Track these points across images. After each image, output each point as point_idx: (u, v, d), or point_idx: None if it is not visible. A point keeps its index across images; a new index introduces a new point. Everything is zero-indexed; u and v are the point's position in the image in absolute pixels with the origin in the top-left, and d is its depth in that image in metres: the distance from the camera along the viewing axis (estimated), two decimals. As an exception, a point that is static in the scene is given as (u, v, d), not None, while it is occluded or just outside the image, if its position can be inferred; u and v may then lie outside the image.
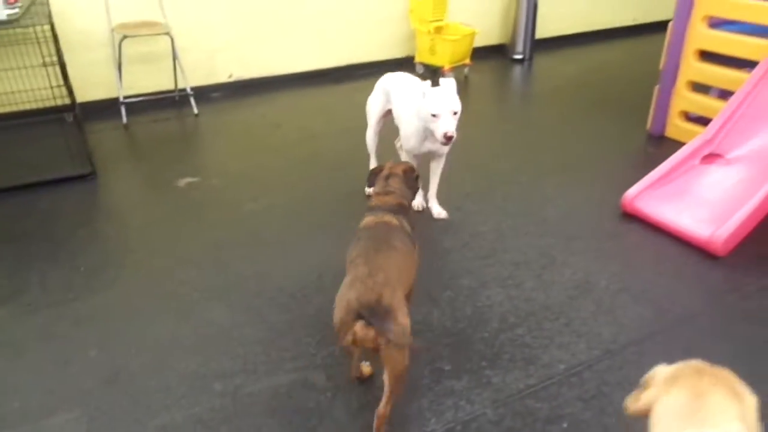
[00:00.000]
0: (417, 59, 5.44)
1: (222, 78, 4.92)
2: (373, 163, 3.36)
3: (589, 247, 2.85)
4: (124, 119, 4.30)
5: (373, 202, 2.16)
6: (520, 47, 5.87)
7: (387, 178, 2.24)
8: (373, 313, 1.65)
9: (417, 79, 3.01)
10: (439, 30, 5.25)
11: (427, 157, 3.00)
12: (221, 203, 3.31)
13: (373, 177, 2.32)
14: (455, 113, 2.61)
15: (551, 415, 1.95)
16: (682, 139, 3.91)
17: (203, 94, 4.75)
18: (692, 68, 3.77)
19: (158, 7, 4.34)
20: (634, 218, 3.07)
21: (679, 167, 3.12)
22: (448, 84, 2.67)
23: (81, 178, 3.51)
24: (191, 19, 4.58)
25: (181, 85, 4.59)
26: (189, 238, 2.97)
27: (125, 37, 4.16)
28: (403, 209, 2.14)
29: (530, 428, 1.91)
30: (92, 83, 4.38)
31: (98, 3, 4.20)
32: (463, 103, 3.61)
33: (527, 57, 5.89)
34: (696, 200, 2.96)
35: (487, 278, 2.62)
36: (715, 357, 2.16)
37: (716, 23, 3.70)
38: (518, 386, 2.06)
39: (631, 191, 3.08)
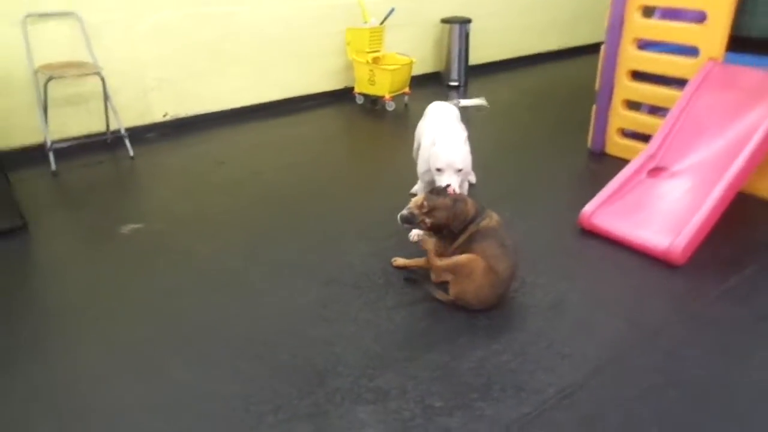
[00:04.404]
0: (356, 90, 5.43)
1: (157, 117, 4.72)
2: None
3: (555, 267, 2.87)
4: (53, 166, 4.01)
5: (474, 205, 2.57)
6: (455, 74, 6.00)
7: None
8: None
9: (455, 114, 3.24)
10: (376, 61, 5.28)
11: None
12: (170, 249, 3.11)
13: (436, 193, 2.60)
14: (459, 170, 2.67)
15: (551, 442, 1.91)
16: (621, 155, 4.08)
17: (138, 135, 4.52)
18: (626, 88, 3.95)
19: (85, 47, 4.12)
20: (591, 234, 3.13)
21: (628, 182, 3.22)
22: (457, 137, 2.77)
23: (11, 232, 3.22)
24: (121, 58, 4.38)
25: (113, 127, 4.36)
26: (140, 290, 2.76)
27: (51, 78, 3.90)
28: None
29: (532, 459, 1.86)
30: (14, 129, 4.07)
31: (17, 44, 3.93)
32: (406, 131, 3.59)
33: (462, 83, 6.03)
34: (649, 213, 3.06)
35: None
36: (690, 364, 2.22)
37: (644, 45, 3.90)
38: (512, 416, 2.00)
39: (588, 208, 3.15)
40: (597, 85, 4.08)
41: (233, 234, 3.24)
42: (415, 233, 3.13)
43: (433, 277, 2.71)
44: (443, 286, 2.61)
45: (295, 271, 2.87)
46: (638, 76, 3.94)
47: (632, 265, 2.88)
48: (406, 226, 2.60)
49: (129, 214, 3.48)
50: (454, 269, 2.49)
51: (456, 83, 6.00)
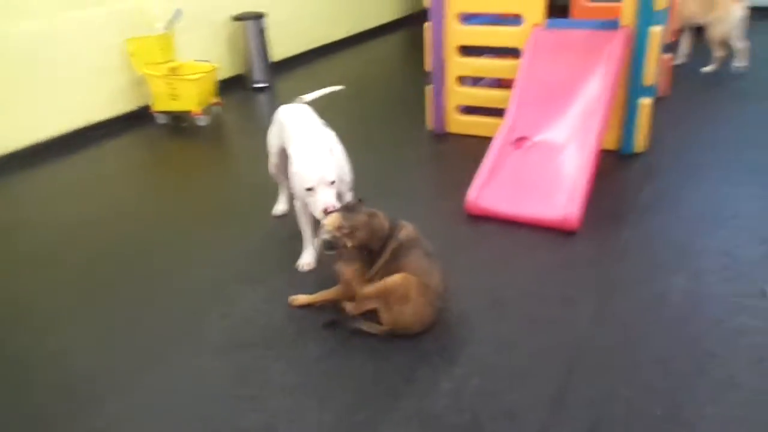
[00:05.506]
0: (155, 108, 4.65)
1: None
2: (282, 197, 3.15)
3: (466, 262, 2.68)
4: None
5: (386, 218, 2.22)
6: (258, 75, 5.51)
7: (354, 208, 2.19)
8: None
9: (313, 115, 2.75)
10: (173, 71, 4.57)
11: None
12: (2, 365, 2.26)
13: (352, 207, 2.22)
14: (332, 183, 2.29)
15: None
16: (464, 132, 4.07)
17: None
18: (457, 64, 3.90)
19: None
20: (481, 218, 3.01)
21: (499, 159, 3.16)
22: (319, 148, 2.39)
23: None
24: None
25: None
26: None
27: None
28: None
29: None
30: None
31: None
32: (230, 147, 3.18)
33: (269, 83, 5.56)
34: (530, 186, 3.02)
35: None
36: (649, 327, 2.11)
37: (462, 18, 3.88)
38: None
39: (472, 194, 3.01)
40: (428, 65, 3.99)
41: (73, 318, 2.47)
42: (305, 262, 2.70)
43: (350, 308, 2.34)
44: (369, 315, 2.26)
45: (182, 348, 2.26)
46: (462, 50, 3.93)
47: (536, 240, 2.81)
48: (329, 253, 2.17)
49: None
50: (384, 294, 2.15)
51: (262, 85, 5.52)
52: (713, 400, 1.87)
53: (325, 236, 2.11)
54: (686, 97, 4.51)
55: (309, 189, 2.32)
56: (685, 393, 1.91)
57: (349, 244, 2.11)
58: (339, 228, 2.10)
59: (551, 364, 2.06)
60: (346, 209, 2.16)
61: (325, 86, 3.17)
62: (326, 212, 2.24)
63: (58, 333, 2.39)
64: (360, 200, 2.22)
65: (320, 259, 2.70)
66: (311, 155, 2.37)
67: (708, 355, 2.06)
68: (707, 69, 4.97)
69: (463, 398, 1.94)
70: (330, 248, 2.12)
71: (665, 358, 2.05)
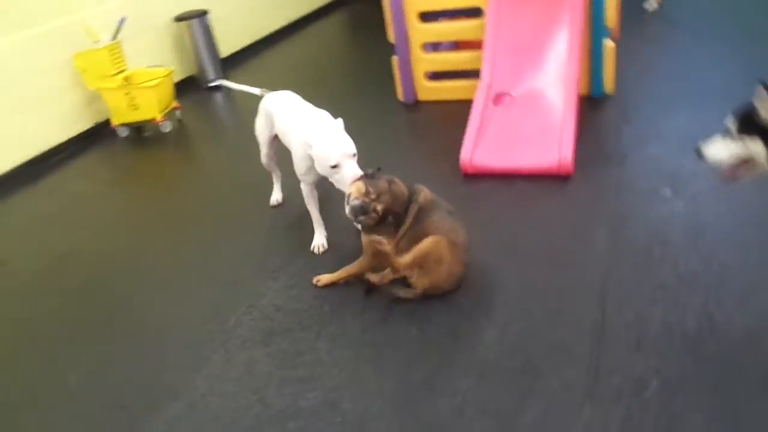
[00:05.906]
0: (115, 122, 4.49)
1: None
2: (276, 186, 3.14)
3: (475, 220, 2.69)
4: None
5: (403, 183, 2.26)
6: (211, 73, 5.38)
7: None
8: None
9: (301, 99, 2.77)
10: (128, 80, 4.42)
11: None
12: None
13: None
14: (354, 155, 2.33)
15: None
16: (434, 98, 4.11)
17: None
18: (420, 31, 3.93)
19: None
20: (476, 176, 3.08)
21: (484, 117, 3.23)
22: (331, 125, 2.44)
23: None
24: None
25: None
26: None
27: None
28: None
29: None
30: None
31: None
32: (201, 148, 3.17)
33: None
34: (519, 138, 3.10)
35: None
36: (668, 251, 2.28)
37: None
38: (581, 386, 1.84)
39: (465, 154, 3.07)
40: (391, 37, 3.99)
41: (99, 335, 2.41)
42: (318, 243, 2.71)
43: (376, 279, 2.37)
44: (400, 281, 2.30)
45: (220, 346, 2.24)
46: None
47: (534, 189, 2.89)
48: (361, 218, 2.17)
49: None
50: (420, 262, 2.19)
51: (216, 83, 5.39)
52: (740, 308, 2.00)
53: (355, 202, 2.12)
54: (635, 35, 4.67)
55: (334, 166, 2.32)
56: (713, 305, 2.03)
57: (379, 208, 2.13)
58: (366, 194, 2.12)
59: (581, 298, 2.15)
60: (367, 177, 2.19)
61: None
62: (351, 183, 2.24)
63: (95, 343, 2.33)
64: (378, 169, 2.24)
65: (333, 240, 2.71)
66: (327, 133, 2.37)
67: (723, 266, 2.19)
68: (650, 5, 5.15)
69: (511, 343, 2.01)
70: (363, 213, 2.13)
71: (685, 275, 2.18)
